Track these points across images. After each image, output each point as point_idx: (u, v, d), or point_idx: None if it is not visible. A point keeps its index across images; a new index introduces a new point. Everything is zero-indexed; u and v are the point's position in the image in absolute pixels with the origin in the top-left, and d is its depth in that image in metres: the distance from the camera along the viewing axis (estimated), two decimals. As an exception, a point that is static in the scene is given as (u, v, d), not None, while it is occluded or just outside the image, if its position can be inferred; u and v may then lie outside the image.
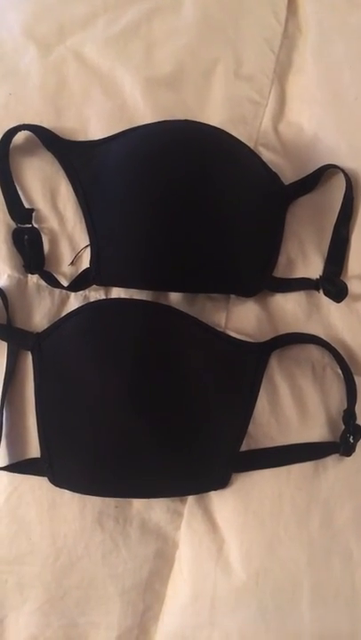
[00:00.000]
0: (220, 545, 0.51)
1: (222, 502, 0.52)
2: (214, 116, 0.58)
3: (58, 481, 0.49)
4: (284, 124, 0.60)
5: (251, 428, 0.51)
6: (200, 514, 0.52)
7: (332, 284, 0.53)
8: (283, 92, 0.61)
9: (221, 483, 0.51)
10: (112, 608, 0.51)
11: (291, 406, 0.53)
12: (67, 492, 0.50)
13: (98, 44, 0.58)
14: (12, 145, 0.53)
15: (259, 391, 0.51)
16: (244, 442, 0.51)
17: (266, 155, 0.58)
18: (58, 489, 0.49)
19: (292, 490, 0.51)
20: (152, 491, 0.50)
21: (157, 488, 0.50)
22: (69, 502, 0.51)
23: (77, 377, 0.48)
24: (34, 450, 0.51)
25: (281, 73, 0.62)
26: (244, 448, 0.51)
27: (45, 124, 0.53)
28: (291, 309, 0.55)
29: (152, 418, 0.47)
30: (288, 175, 0.56)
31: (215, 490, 0.51)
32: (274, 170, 0.55)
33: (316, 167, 0.56)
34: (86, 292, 0.53)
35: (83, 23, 0.59)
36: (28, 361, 0.51)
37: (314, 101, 0.60)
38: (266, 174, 0.55)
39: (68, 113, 0.56)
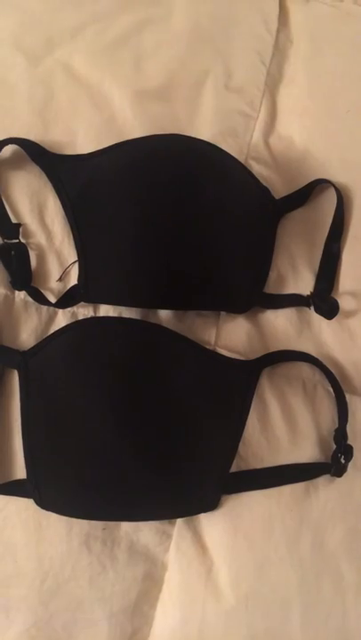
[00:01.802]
0: (209, 567, 0.51)
1: (212, 524, 0.51)
2: (204, 129, 0.57)
3: (44, 503, 0.48)
4: (274, 137, 0.60)
5: (241, 448, 0.51)
6: (189, 536, 0.51)
7: (324, 301, 0.53)
8: (274, 104, 0.61)
9: (211, 505, 0.50)
10: (100, 631, 0.50)
11: (281, 425, 0.53)
12: (53, 515, 0.49)
13: (87, 55, 0.58)
14: None
15: (249, 410, 0.51)
16: (234, 463, 0.50)
17: (256, 168, 0.58)
18: (44, 511, 0.49)
19: (282, 511, 0.51)
20: (140, 514, 0.50)
21: (145, 511, 0.50)
22: (56, 524, 0.50)
23: (64, 396, 0.47)
24: (20, 470, 0.50)
25: (272, 85, 0.62)
26: (233, 469, 0.51)
27: (33, 138, 0.53)
28: (281, 326, 0.55)
29: (139, 439, 0.46)
30: (279, 189, 0.56)
31: (205, 512, 0.51)
32: (265, 184, 0.55)
33: (308, 181, 0.56)
34: (74, 308, 0.53)
35: (72, 34, 0.59)
36: (15, 379, 0.50)
37: (305, 114, 0.60)
38: (257, 189, 0.55)
39: (56, 126, 0.55)
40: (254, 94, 0.60)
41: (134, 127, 0.56)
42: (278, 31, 0.63)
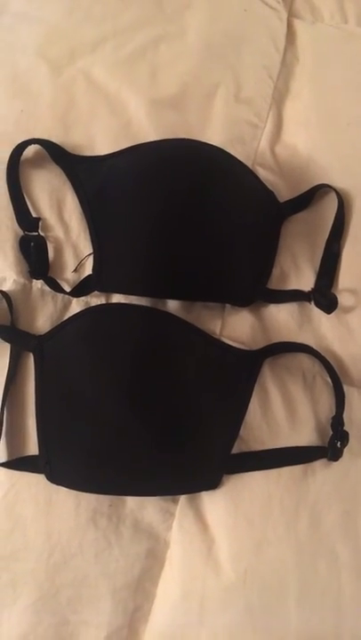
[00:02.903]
0: (210, 545, 0.52)
1: (213, 503, 0.52)
2: (215, 136, 0.59)
3: (55, 478, 0.49)
4: (280, 146, 0.62)
5: (242, 431, 0.52)
6: (191, 514, 0.52)
7: (324, 297, 0.54)
8: (280, 115, 0.64)
9: (213, 484, 0.51)
10: (103, 606, 0.51)
11: (281, 411, 0.54)
12: (62, 490, 0.50)
13: (106, 66, 0.60)
14: (22, 158, 0.54)
15: (251, 396, 0.52)
16: (236, 444, 0.52)
17: (263, 174, 0.60)
18: (54, 486, 0.50)
19: (281, 492, 0.52)
20: (146, 489, 0.51)
21: (151, 487, 0.51)
22: (65, 500, 0.51)
23: (77, 378, 0.49)
24: (32, 448, 0.51)
25: (279, 98, 0.64)
26: (235, 450, 0.52)
27: (54, 140, 0.55)
28: (283, 319, 0.56)
29: (148, 419, 0.48)
30: (283, 193, 0.58)
31: (207, 490, 0.52)
32: (270, 188, 0.57)
33: (310, 186, 0.58)
34: (88, 297, 0.54)
35: (93, 46, 0.61)
36: (30, 362, 0.52)
37: (309, 125, 0.62)
38: (263, 192, 0.57)
39: (76, 130, 0.58)
40: (262, 106, 0.63)
41: (149, 132, 0.58)
42: (286, 49, 0.65)
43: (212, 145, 0.55)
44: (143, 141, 0.55)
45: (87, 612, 0.51)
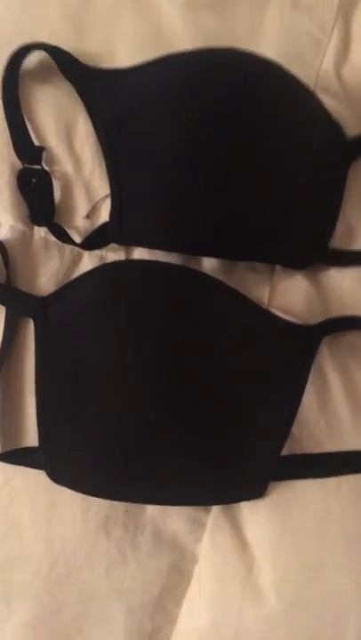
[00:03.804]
0: (249, 565, 0.47)
1: (255, 515, 0.47)
2: (266, 49, 0.51)
3: (57, 476, 0.45)
4: (348, 67, 0.54)
5: (295, 428, 0.47)
6: (227, 526, 0.47)
7: None
8: (348, 30, 0.55)
9: (256, 492, 0.46)
10: (115, 628, 0.47)
11: (343, 405, 0.48)
12: (67, 490, 0.46)
13: None
14: (22, 69, 0.48)
15: (306, 384, 0.46)
16: (286, 444, 0.46)
17: (325, 101, 0.51)
18: (57, 486, 0.46)
19: (341, 506, 0.46)
20: (170, 497, 0.47)
21: (177, 494, 0.46)
22: (70, 502, 0.47)
23: (87, 353, 0.44)
24: (31, 437, 0.47)
25: (346, 9, 0.56)
26: (285, 452, 0.47)
27: (64, 46, 0.48)
28: (348, 287, 0.50)
29: (174, 408, 0.43)
30: (351, 127, 0.50)
31: (248, 500, 0.46)
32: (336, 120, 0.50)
33: None
34: (103, 251, 0.49)
35: None
36: (30, 330, 0.47)
37: None
38: (327, 124, 0.49)
39: (92, 34, 0.51)
40: (326, 16, 0.55)
41: (183, 40, 0.51)
42: None
43: (266, 58, 0.48)
44: (177, 50, 0.48)
45: (95, 632, 0.48)
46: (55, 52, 0.48)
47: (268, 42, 0.53)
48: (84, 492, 0.45)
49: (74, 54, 0.48)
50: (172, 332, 0.43)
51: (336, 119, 0.49)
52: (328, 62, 0.53)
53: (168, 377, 0.43)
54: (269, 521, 0.47)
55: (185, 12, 0.52)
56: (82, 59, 0.49)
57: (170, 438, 0.43)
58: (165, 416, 0.43)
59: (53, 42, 0.48)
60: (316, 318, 0.48)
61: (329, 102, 0.51)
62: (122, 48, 0.51)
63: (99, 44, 0.51)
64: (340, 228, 0.50)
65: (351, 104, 0.52)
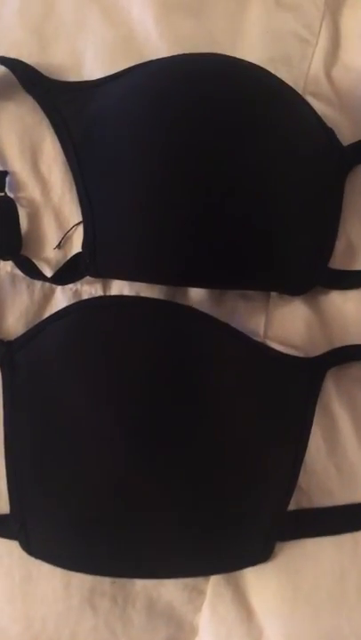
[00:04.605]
0: (256, 637, 0.43)
1: (261, 580, 0.43)
2: (249, 53, 0.49)
3: (32, 548, 0.41)
4: (339, 69, 0.52)
5: (301, 478, 0.43)
6: (229, 594, 0.43)
7: None
8: (336, 28, 0.54)
9: (261, 555, 0.43)
10: None
11: (355, 446, 0.45)
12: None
13: None
14: None
15: (311, 425, 0.43)
16: (293, 498, 0.43)
17: (316, 107, 0.50)
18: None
19: (359, 567, 0.43)
20: (162, 569, 0.43)
21: (170, 565, 0.42)
22: (49, 575, 0.43)
23: (62, 405, 0.40)
24: (3, 502, 0.43)
25: (334, 5, 0.54)
26: (292, 507, 0.43)
27: (26, 59, 0.47)
28: (351, 312, 0.48)
29: (166, 467, 0.39)
30: (345, 134, 0.49)
31: (252, 565, 0.43)
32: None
33: None
34: (78, 285, 0.47)
35: None
36: None
37: None
38: (320, 131, 0.48)
39: (57, 45, 0.50)
40: (312, 14, 0.53)
41: (159, 48, 0.49)
42: None
43: (250, 63, 0.46)
44: (151, 59, 0.46)
45: None
46: (15, 66, 0.46)
47: (250, 45, 0.51)
48: (63, 567, 0.42)
49: (37, 67, 0.47)
50: (158, 376, 0.39)
51: (329, 126, 0.48)
52: (317, 64, 0.52)
53: (155, 430, 0.39)
54: (278, 586, 0.43)
55: (159, 16, 0.50)
56: (46, 72, 0.47)
57: (160, 501, 0.39)
58: (154, 475, 0.39)
59: (13, 54, 0.47)
60: (318, 349, 0.46)
61: (320, 108, 0.50)
62: (90, 58, 0.49)
63: (64, 55, 0.49)
64: (339, 245, 0.48)
65: (344, 109, 0.51)
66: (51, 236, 0.47)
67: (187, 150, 0.42)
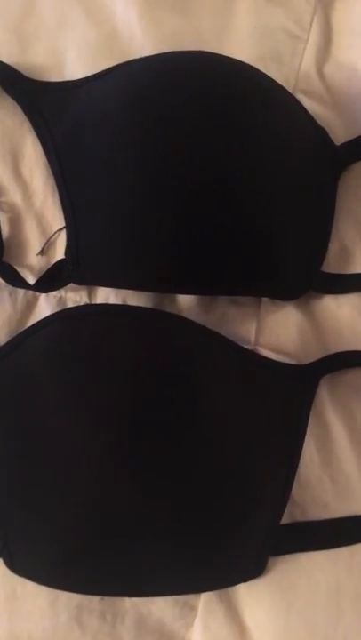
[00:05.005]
0: None
1: (254, 596, 0.42)
2: (237, 51, 0.49)
3: (16, 566, 0.40)
4: (331, 65, 0.52)
5: (295, 490, 0.42)
6: (221, 611, 0.42)
7: None
8: (328, 23, 0.54)
9: (254, 571, 0.42)
10: None
11: (350, 457, 0.44)
12: None
13: None
14: None
15: (305, 435, 0.42)
16: (286, 511, 0.42)
17: (308, 104, 0.49)
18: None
19: (355, 582, 0.42)
20: (151, 587, 0.41)
21: (160, 583, 0.41)
22: (35, 593, 0.42)
23: (45, 418, 0.39)
24: None
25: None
26: (285, 520, 0.42)
27: (6, 59, 0.46)
28: (345, 317, 0.47)
29: (153, 480, 0.38)
30: (338, 133, 0.49)
31: (245, 581, 0.42)
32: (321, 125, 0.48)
33: None
34: (62, 292, 0.46)
35: None
36: None
37: None
38: (312, 130, 0.47)
39: (38, 44, 0.49)
40: (303, 9, 0.53)
41: (143, 47, 0.49)
42: None
43: (239, 61, 0.45)
44: (135, 57, 0.45)
45: None
46: (-5, 67, 0.44)
47: (238, 42, 0.51)
48: (48, 586, 0.40)
49: (17, 67, 0.46)
50: (144, 389, 0.38)
51: (321, 125, 0.47)
52: (308, 61, 0.51)
53: (141, 444, 0.38)
54: (271, 602, 0.42)
55: (143, 13, 0.49)
56: (26, 72, 0.46)
57: (148, 517, 0.38)
58: (142, 490, 0.38)
59: (-8, 54, 0.45)
60: (311, 355, 0.45)
61: (312, 106, 0.49)
62: (72, 57, 0.48)
63: (45, 55, 0.48)
64: (333, 248, 0.47)
65: (337, 107, 0.50)
66: (33, 241, 0.46)
67: (172, 153, 0.41)
